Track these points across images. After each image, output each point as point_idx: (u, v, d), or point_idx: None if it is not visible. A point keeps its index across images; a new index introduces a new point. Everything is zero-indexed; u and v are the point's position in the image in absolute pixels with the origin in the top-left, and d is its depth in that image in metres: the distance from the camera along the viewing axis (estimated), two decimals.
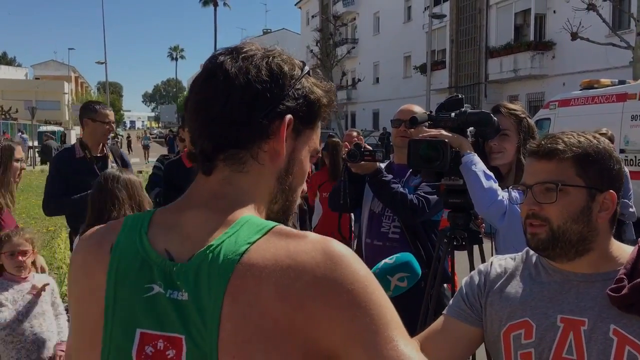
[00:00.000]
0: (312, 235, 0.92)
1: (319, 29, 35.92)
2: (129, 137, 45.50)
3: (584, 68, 20.03)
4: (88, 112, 4.06)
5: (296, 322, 0.85)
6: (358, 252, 3.41)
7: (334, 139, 5.86)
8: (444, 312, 1.60)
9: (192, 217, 0.96)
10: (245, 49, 1.00)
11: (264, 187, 1.00)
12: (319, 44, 33.64)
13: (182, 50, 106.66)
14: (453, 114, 2.40)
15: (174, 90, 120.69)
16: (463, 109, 2.40)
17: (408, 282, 1.53)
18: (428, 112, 2.52)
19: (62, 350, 2.93)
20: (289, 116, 0.97)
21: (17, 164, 3.25)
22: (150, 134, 53.58)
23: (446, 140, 2.31)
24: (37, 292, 2.98)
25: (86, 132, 4.08)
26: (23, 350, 2.93)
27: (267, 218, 1.01)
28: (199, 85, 0.99)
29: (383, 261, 1.56)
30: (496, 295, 1.53)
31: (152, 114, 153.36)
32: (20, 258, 2.99)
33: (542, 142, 1.45)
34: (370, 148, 3.06)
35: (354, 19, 41.70)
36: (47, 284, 3.05)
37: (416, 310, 2.70)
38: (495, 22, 26.27)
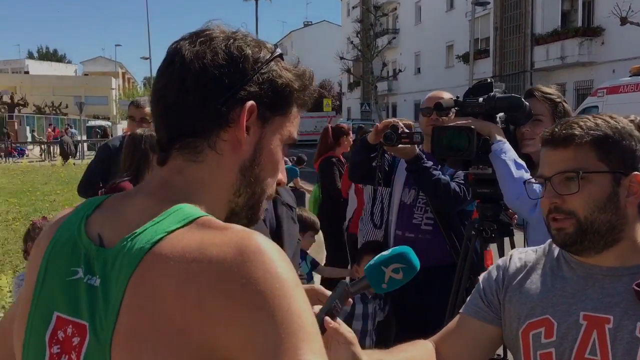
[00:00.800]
0: (235, 227, 0.84)
1: (360, 19, 35.71)
2: None
3: (634, 54, 19.24)
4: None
5: (192, 322, 0.78)
6: (385, 243, 3.31)
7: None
8: (461, 310, 1.52)
9: (134, 204, 0.92)
10: (205, 32, 0.94)
11: (223, 178, 0.93)
12: (359, 35, 33.42)
13: None
14: (481, 99, 2.28)
15: None
16: (492, 94, 2.28)
17: (404, 275, 1.46)
18: (454, 98, 2.40)
19: None
20: (250, 103, 0.91)
21: None
22: None
23: (473, 126, 2.19)
24: None
25: None
26: None
27: (232, 212, 0.96)
28: (160, 72, 0.95)
29: (380, 254, 1.50)
30: (515, 291, 1.43)
31: None
32: None
33: (556, 129, 1.34)
34: (408, 131, 2.88)
35: (395, 8, 41.22)
36: None
37: (445, 303, 2.61)
38: (541, 8, 25.51)
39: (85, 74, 72.16)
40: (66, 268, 0.89)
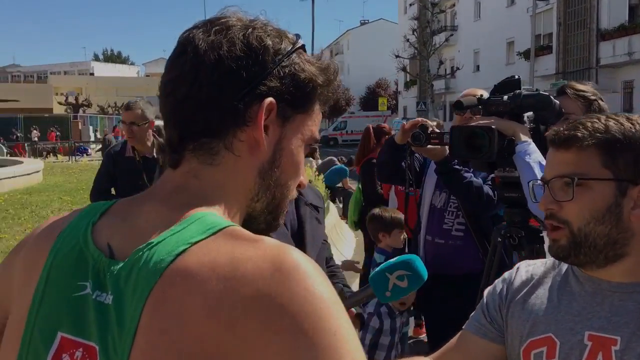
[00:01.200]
0: (268, 240, 0.75)
1: (416, 17, 35.24)
2: None
3: None
4: None
5: (225, 346, 0.68)
6: (414, 249, 3.18)
7: None
8: (464, 326, 1.42)
9: (147, 211, 0.82)
10: (221, 20, 0.85)
11: (241, 182, 0.85)
12: (415, 33, 32.99)
13: None
14: (506, 97, 2.12)
15: None
16: (517, 91, 2.11)
17: (409, 283, 1.41)
18: (479, 96, 2.25)
19: None
20: (269, 99, 0.82)
21: None
22: None
23: (493, 126, 2.04)
24: None
25: None
26: None
27: (250, 218, 0.88)
28: (170, 63, 0.86)
29: (387, 261, 1.46)
30: (518, 306, 1.33)
31: None
32: None
33: (561, 129, 1.23)
34: (438, 131, 2.70)
35: (454, 5, 40.50)
36: None
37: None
38: (607, 2, 24.49)
39: (147, 75, 74.53)
40: (71, 282, 0.79)
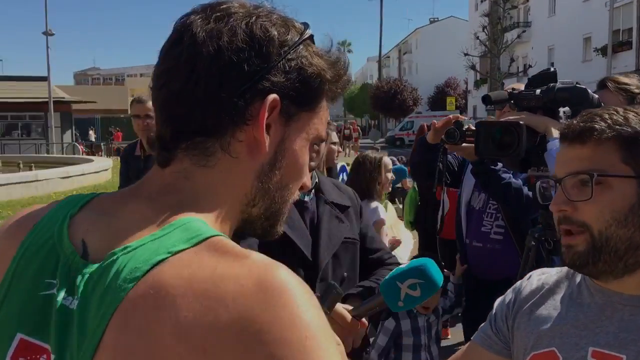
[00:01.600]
0: (256, 256, 0.67)
1: (487, 13, 34.34)
2: None
3: None
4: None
5: None
6: (461, 254, 3.04)
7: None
8: (472, 337, 1.35)
9: (130, 210, 0.75)
10: (222, 6, 0.77)
11: (237, 186, 0.78)
12: (485, 30, 32.13)
13: (349, 44, 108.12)
14: (538, 91, 1.98)
15: None
16: (551, 85, 1.97)
17: (422, 292, 1.30)
18: (509, 90, 2.11)
19: None
20: (272, 96, 0.74)
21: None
22: None
23: (522, 122, 1.90)
24: None
25: None
26: None
27: (246, 223, 0.82)
28: (164, 52, 0.79)
29: (397, 267, 1.37)
30: (524, 317, 1.24)
31: None
32: None
33: (575, 122, 1.12)
34: (474, 128, 2.61)
35: (527, 0, 39.17)
36: None
37: None
38: None
39: None
40: (38, 278, 0.72)
